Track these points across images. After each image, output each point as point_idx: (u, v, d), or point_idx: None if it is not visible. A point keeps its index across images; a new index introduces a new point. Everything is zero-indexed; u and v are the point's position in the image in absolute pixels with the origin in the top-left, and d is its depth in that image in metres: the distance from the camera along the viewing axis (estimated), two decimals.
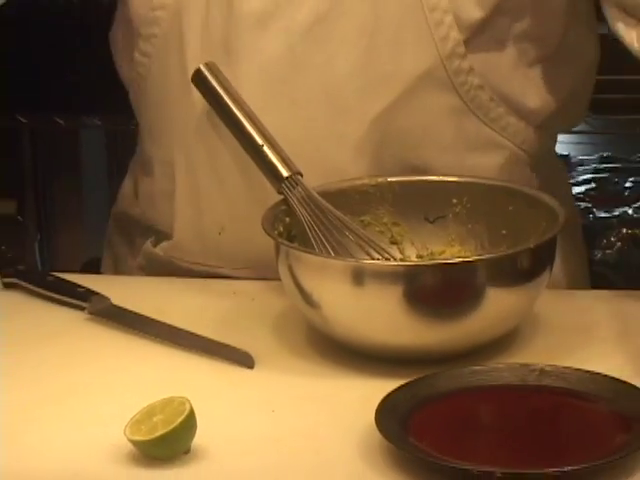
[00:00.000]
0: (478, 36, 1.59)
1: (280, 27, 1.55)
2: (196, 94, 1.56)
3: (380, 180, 1.54)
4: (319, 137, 1.57)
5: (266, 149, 1.49)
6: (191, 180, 1.62)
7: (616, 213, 3.02)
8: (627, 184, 3.14)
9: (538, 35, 1.63)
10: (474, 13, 1.57)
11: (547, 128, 1.68)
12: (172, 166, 1.64)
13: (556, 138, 1.77)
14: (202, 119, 1.58)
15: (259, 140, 1.49)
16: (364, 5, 1.54)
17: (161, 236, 1.68)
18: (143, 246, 1.71)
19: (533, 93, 1.65)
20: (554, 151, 1.79)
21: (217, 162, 1.59)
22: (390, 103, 1.56)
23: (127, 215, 1.76)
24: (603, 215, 3.01)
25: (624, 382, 1.27)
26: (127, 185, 1.79)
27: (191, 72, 1.55)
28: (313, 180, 1.50)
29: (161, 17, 1.61)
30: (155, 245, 1.69)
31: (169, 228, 1.66)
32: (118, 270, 1.79)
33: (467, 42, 1.57)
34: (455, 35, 1.57)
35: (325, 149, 1.57)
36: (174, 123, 1.63)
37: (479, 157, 1.62)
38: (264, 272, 1.56)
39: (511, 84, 1.63)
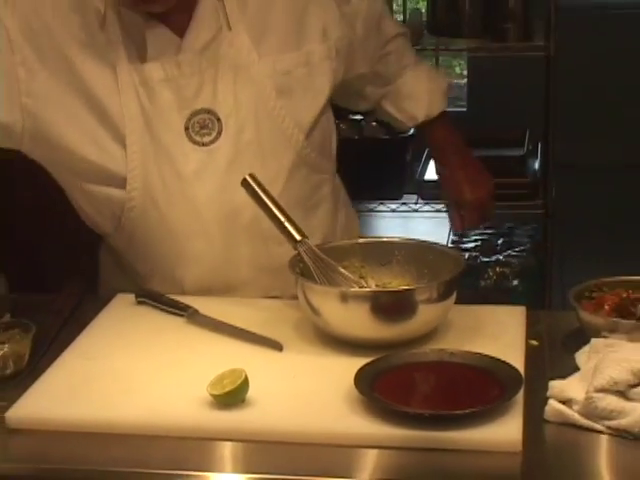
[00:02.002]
0: (311, 134, 1.56)
1: (202, 178, 1.50)
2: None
3: (353, 241, 1.53)
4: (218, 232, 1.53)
5: (287, 224, 1.44)
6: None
7: (493, 259, 3.02)
8: (499, 242, 3.14)
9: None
10: (309, 121, 1.54)
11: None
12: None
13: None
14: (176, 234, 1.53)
15: (282, 218, 1.45)
16: (253, 150, 1.50)
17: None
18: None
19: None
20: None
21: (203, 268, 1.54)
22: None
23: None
24: (485, 260, 3.02)
25: (500, 360, 1.27)
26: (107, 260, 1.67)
27: (167, 219, 1.50)
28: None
29: (134, 198, 1.50)
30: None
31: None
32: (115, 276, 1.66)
33: (306, 137, 1.54)
34: (300, 138, 1.53)
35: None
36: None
37: (313, 209, 1.59)
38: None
39: (328, 149, 1.62)
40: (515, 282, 2.96)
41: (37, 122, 1.45)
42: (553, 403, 1.21)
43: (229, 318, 1.45)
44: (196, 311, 1.47)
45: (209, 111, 1.48)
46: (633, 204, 4.35)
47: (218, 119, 1.48)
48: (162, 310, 1.50)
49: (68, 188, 1.55)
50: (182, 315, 1.48)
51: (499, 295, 2.88)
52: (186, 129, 1.48)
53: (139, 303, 1.53)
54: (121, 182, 1.49)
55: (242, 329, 1.42)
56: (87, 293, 1.58)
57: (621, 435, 1.18)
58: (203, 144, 1.49)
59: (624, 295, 1.40)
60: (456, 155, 1.70)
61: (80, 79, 1.45)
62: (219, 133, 1.49)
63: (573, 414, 1.20)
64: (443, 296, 1.37)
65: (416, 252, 1.50)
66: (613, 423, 1.18)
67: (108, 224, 1.56)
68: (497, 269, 2.97)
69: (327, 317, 1.37)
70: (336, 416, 1.21)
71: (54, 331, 1.45)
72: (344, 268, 1.46)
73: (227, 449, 1.19)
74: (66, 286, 1.57)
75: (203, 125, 1.48)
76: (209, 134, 1.49)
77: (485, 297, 2.81)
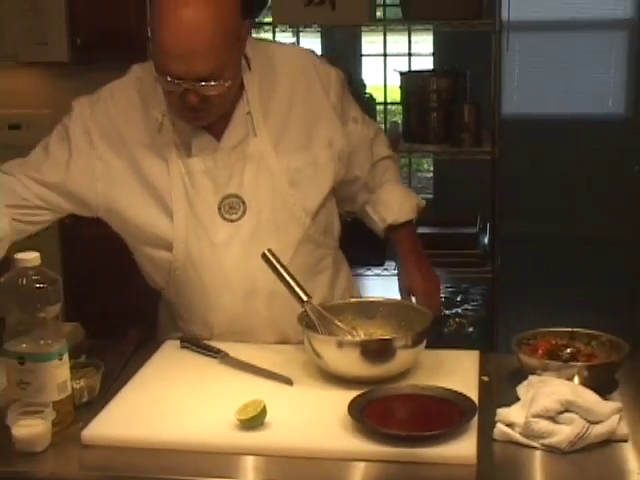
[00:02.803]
0: (316, 217, 1.55)
1: (229, 247, 1.50)
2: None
3: (347, 301, 1.52)
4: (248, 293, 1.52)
5: (296, 288, 1.43)
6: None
7: (453, 311, 3.02)
8: (457, 298, 3.14)
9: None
10: (314, 208, 1.54)
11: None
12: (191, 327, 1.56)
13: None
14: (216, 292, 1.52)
15: (292, 282, 1.44)
16: (269, 226, 1.50)
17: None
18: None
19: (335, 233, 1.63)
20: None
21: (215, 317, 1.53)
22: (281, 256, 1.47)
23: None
24: (447, 312, 3.02)
25: (459, 392, 1.27)
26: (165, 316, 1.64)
27: (202, 277, 1.50)
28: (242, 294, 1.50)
29: (178, 259, 1.51)
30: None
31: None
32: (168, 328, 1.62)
33: (312, 219, 1.54)
34: (307, 220, 1.54)
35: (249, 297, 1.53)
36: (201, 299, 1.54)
37: (316, 274, 1.56)
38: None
39: (330, 231, 1.62)
40: (470, 330, 2.96)
41: (108, 200, 1.50)
42: (500, 426, 1.22)
43: (252, 359, 1.45)
44: (227, 354, 1.47)
45: (236, 196, 1.50)
46: (560, 270, 4.38)
47: (243, 202, 1.50)
48: (200, 353, 1.49)
49: (134, 251, 1.58)
50: (216, 357, 1.47)
51: (458, 340, 2.87)
52: (219, 209, 1.50)
53: (183, 347, 1.52)
54: (169, 246, 1.51)
55: (262, 368, 1.42)
56: (145, 338, 1.58)
57: (552, 451, 1.18)
58: (231, 221, 1.50)
59: (553, 342, 1.40)
60: (413, 255, 1.68)
61: (141, 169, 1.49)
62: (244, 213, 1.50)
63: (515, 434, 1.20)
64: (416, 343, 1.37)
65: (395, 309, 1.49)
66: (546, 441, 1.18)
67: (161, 280, 1.57)
68: (456, 320, 2.97)
69: (327, 359, 1.37)
70: (334, 436, 1.21)
71: (119, 369, 1.45)
72: (340, 321, 1.46)
73: (249, 462, 1.19)
74: (129, 332, 1.57)
75: (232, 206, 1.50)
76: (236, 213, 1.50)
77: (447, 342, 2.79)
